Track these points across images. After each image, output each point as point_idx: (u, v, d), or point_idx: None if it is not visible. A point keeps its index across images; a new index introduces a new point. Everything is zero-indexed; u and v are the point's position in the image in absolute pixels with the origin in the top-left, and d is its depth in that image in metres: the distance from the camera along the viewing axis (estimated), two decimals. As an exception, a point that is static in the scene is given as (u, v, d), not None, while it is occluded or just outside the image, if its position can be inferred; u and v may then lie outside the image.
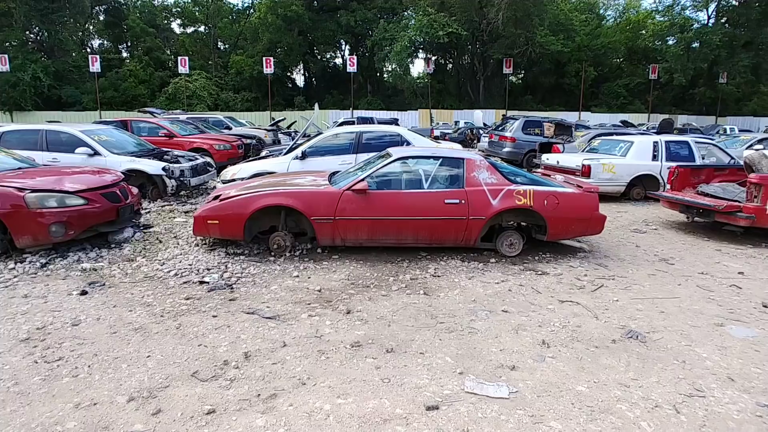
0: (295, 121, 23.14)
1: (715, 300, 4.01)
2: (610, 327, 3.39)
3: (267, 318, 3.43)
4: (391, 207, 4.91)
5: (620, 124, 25.47)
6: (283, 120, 20.67)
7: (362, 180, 4.94)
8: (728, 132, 24.38)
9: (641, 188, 9.17)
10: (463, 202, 4.95)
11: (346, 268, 4.71)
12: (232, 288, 4.07)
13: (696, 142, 9.30)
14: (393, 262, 4.95)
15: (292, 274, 4.49)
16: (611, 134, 12.76)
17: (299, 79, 46.96)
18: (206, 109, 32.57)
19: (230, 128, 15.95)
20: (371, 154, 7.91)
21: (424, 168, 5.19)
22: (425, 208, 4.93)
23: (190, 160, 8.77)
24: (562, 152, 11.88)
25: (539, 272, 4.71)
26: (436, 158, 5.20)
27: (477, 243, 5.16)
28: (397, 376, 2.65)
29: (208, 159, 9.23)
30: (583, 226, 5.24)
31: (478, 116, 29.30)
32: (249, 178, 7.54)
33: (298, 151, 7.83)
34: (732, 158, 9.42)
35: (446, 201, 4.94)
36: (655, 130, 20.07)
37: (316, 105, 9.77)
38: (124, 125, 10.86)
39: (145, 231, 6.03)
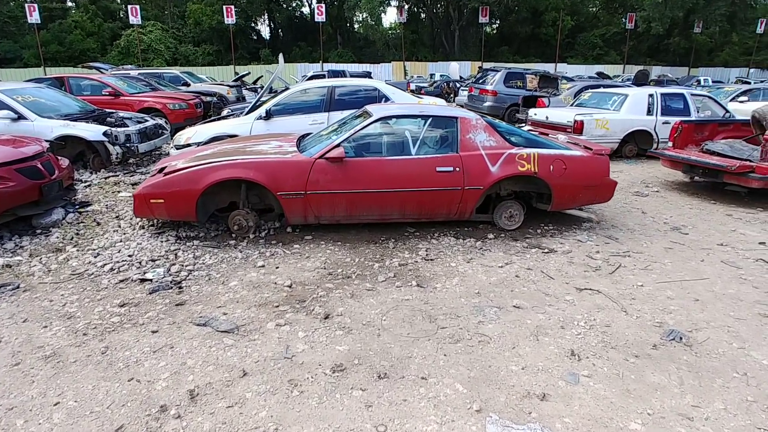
0: (261, 76, 21.42)
1: (749, 280, 3.51)
2: (645, 325, 2.82)
3: (223, 332, 2.70)
4: (372, 177, 4.13)
5: (596, 75, 24.79)
6: (247, 74, 19.02)
7: (337, 145, 4.12)
8: (702, 83, 24.11)
9: (633, 145, 8.64)
10: (457, 169, 4.21)
11: (322, 253, 3.98)
12: (180, 287, 3.29)
13: (692, 95, 8.74)
14: (377, 243, 4.25)
15: (257, 263, 3.73)
16: (599, 87, 12.09)
17: (264, 31, 43.82)
18: (164, 64, 29.99)
19: (188, 84, 14.43)
20: (346, 113, 7.02)
21: (410, 129, 4.38)
22: (413, 178, 4.18)
23: (139, 122, 7.63)
24: (548, 106, 11.18)
25: (545, 249, 4.10)
26: (424, 117, 4.39)
27: (472, 216, 4.49)
28: (396, 419, 2.00)
29: (160, 121, 8.09)
30: (592, 194, 4.62)
31: (455, 68, 27.95)
32: (206, 143, 6.57)
33: (261, 110, 6.84)
34: (727, 111, 8.94)
35: (438, 169, 4.20)
36: (630, 82, 19.51)
37: (281, 57, 8.62)
38: (60, 83, 9.44)
39: (80, 211, 5.08)
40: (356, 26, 43.86)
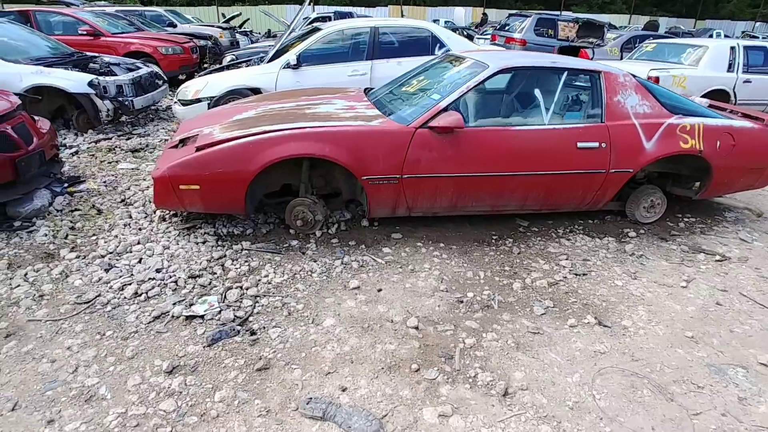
0: (248, 19, 19.08)
1: None
2: None
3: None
4: (492, 155, 2.96)
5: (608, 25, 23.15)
6: (238, 15, 16.86)
7: (445, 109, 2.90)
8: (720, 35, 22.79)
9: (707, 107, 7.54)
10: (603, 145, 3.07)
11: (427, 262, 2.87)
12: (252, 331, 2.17)
13: (775, 48, 7.57)
14: (490, 244, 3.16)
15: (347, 282, 2.61)
16: (648, 36, 10.77)
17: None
18: (138, 4, 26.86)
19: (175, 25, 12.47)
20: (393, 61, 5.72)
21: (539, 88, 3.17)
22: (546, 156, 3.03)
23: (129, 69, 6.13)
24: (592, 58, 9.90)
25: (713, 255, 3.09)
26: (558, 71, 3.17)
27: (605, 205, 3.42)
28: None
29: (154, 68, 6.56)
30: (753, 179, 3.56)
31: (460, 14, 25.84)
32: (221, 98, 5.24)
33: (289, 57, 5.44)
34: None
35: (579, 144, 3.05)
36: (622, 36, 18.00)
37: None
38: (24, 18, 7.65)
39: (71, 191, 3.80)
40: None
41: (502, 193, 3.10)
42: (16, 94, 3.82)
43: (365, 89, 4.05)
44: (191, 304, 2.32)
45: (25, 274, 2.60)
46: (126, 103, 5.54)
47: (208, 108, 5.33)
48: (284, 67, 5.46)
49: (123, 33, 8.33)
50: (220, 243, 2.98)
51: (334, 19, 14.13)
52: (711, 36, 23.06)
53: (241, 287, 2.50)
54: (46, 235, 3.06)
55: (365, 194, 2.94)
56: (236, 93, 5.38)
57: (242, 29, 15.76)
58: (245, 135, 2.81)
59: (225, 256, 2.84)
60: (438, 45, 5.88)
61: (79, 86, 5.22)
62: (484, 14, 28.96)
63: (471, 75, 3.07)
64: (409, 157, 2.87)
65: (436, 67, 3.71)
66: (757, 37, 18.92)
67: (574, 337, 2.21)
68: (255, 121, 3.05)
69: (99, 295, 2.42)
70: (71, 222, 3.25)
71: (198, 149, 2.83)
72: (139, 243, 2.94)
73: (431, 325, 2.27)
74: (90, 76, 5.30)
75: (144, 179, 4.09)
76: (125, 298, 2.40)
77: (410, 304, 2.44)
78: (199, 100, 5.36)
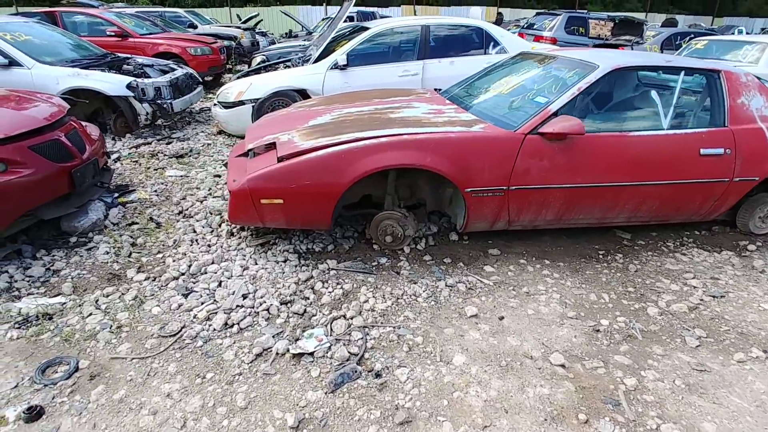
0: (261, 20, 18.72)
1: None
2: None
3: None
4: (606, 163, 2.64)
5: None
6: (256, 16, 16.61)
7: (557, 113, 2.58)
8: (743, 32, 22.27)
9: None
10: (728, 151, 2.74)
11: (540, 283, 2.55)
12: (376, 372, 1.85)
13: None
14: (598, 259, 2.83)
15: (461, 308, 2.29)
16: (689, 34, 10.40)
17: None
18: (149, 5, 26.75)
19: (195, 26, 12.24)
20: (445, 61, 5.42)
21: (654, 90, 2.85)
22: (666, 164, 2.70)
23: (163, 70, 5.86)
24: (631, 57, 9.53)
25: None
26: (674, 71, 2.84)
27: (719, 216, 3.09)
28: None
29: (189, 69, 6.28)
30: None
31: (476, 14, 25.37)
32: (265, 100, 4.96)
33: (337, 57, 5.14)
34: None
35: (703, 151, 2.72)
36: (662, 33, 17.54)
37: None
38: (50, 19, 7.41)
39: (123, 202, 3.51)
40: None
41: (615, 205, 2.77)
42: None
43: (435, 90, 3.74)
44: (297, 339, 2.01)
45: (96, 301, 2.31)
46: (165, 105, 5.26)
47: (254, 110, 5.05)
48: (331, 68, 5.17)
49: (150, 34, 8.07)
50: (302, 262, 2.68)
51: (357, 20, 13.86)
52: (734, 33, 22.58)
53: (344, 316, 2.19)
54: (107, 252, 2.77)
55: (465, 207, 2.62)
56: (282, 95, 5.11)
57: (257, 30, 15.51)
58: (334, 143, 2.50)
59: (312, 277, 2.53)
60: (492, 43, 5.56)
61: (118, 89, 4.95)
62: (500, 13, 28.58)
63: (578, 76, 2.74)
64: (518, 166, 2.55)
65: (518, 66, 3.39)
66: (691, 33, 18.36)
67: (749, 376, 1.89)
68: (338, 128, 2.74)
69: (185, 327, 2.12)
70: (131, 237, 2.96)
71: (280, 159, 2.52)
72: (213, 263, 2.64)
73: (577, 362, 1.95)
74: (128, 78, 5.03)
75: (197, 188, 3.80)
76: (215, 330, 2.10)
77: (542, 335, 2.12)
78: (242, 103, 5.08)
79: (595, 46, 10.71)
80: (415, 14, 30.79)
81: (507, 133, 2.56)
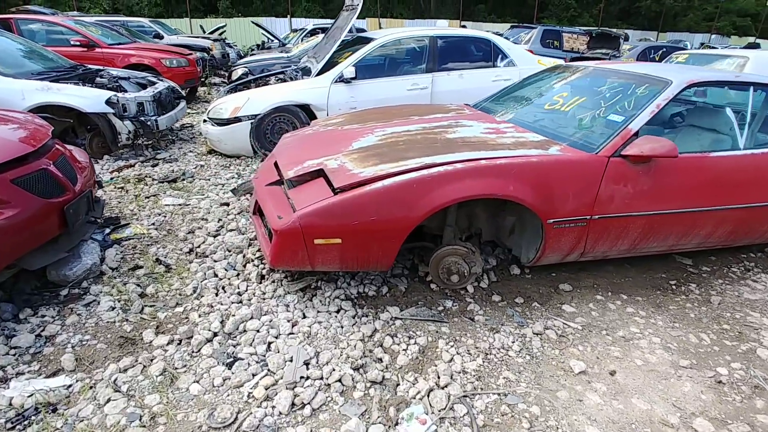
0: (224, 28, 17.84)
1: None
2: None
3: None
4: (691, 187, 2.41)
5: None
6: (223, 26, 15.93)
7: (638, 133, 2.33)
8: (687, 47, 23.71)
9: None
10: (805, 171, 2.59)
11: (628, 323, 2.27)
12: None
13: (809, 58, 7.54)
14: (672, 291, 2.59)
15: (567, 365, 1.95)
16: (662, 48, 10.76)
17: (215, -21, 38.55)
18: (101, 14, 25.30)
19: (161, 37, 11.48)
20: (454, 74, 5.17)
21: (729, 107, 2.66)
22: (747, 186, 2.51)
23: (141, 84, 5.29)
24: (610, 70, 9.72)
25: None
26: (747, 86, 2.67)
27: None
28: None
29: (170, 82, 5.70)
30: None
31: (443, 26, 25.77)
32: (267, 115, 4.55)
33: (343, 70, 4.78)
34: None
35: (783, 171, 2.55)
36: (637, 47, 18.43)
37: None
38: (4, 26, 6.60)
39: (118, 240, 2.97)
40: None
41: (691, 231, 2.55)
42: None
43: (466, 105, 3.46)
44: (396, 423, 1.61)
45: (113, 379, 1.81)
46: (149, 123, 4.70)
47: (252, 128, 4.59)
48: (336, 81, 4.80)
49: (119, 44, 7.39)
50: (359, 310, 2.27)
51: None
52: (684, 48, 23.99)
53: (437, 385, 1.80)
54: (112, 308, 2.26)
55: (543, 239, 2.31)
56: (283, 110, 4.68)
57: (221, 40, 14.82)
58: (401, 170, 2.12)
59: (377, 330, 2.13)
60: (500, 56, 5.38)
61: (96, 104, 4.36)
62: (463, 26, 29.15)
63: (651, 91, 2.51)
64: (602, 193, 2.27)
65: (565, 80, 3.15)
66: (716, 47, 19.72)
67: None
68: (393, 151, 2.37)
69: (240, 411, 1.67)
70: (138, 286, 2.45)
71: (336, 191, 2.12)
72: (252, 317, 2.18)
73: (722, 426, 1.66)
74: (108, 93, 4.45)
75: (204, 219, 3.30)
76: (281, 413, 1.66)
77: (666, 392, 1.82)
78: (238, 119, 4.61)
79: (573, 59, 10.91)
80: (380, 26, 30.89)
81: (590, 156, 2.28)
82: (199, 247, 2.89)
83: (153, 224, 3.22)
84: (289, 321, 2.15)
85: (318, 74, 4.90)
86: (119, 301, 2.31)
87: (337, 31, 5.32)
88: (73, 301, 2.33)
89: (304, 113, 4.76)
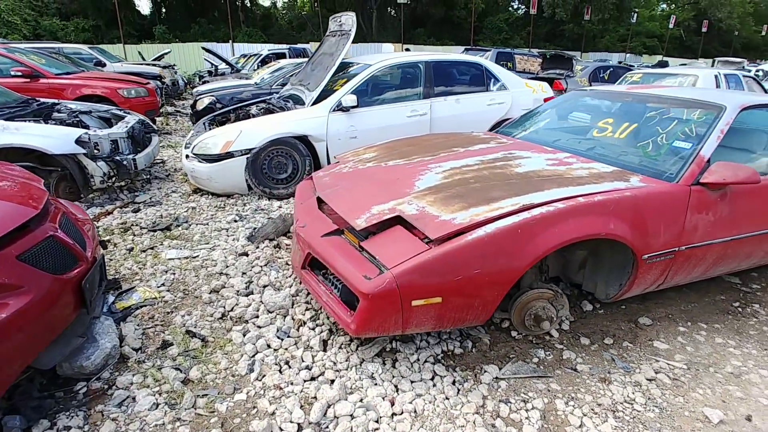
0: (168, 51, 16.93)
1: None
2: None
3: None
4: (761, 210, 2.42)
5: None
6: (168, 53, 15.10)
7: (710, 160, 2.29)
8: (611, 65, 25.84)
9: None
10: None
11: (725, 356, 2.17)
12: None
13: (743, 77, 8.37)
14: (738, 314, 2.56)
15: (700, 414, 1.79)
16: (610, 68, 11.50)
17: (144, 6, 37.02)
18: (21, 41, 23.22)
19: (103, 65, 10.61)
20: (450, 99, 5.10)
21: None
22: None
23: (104, 118, 4.76)
24: (566, 89, 10.24)
25: None
26: (785, 106, 2.75)
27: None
28: None
29: (140, 116, 5.13)
30: None
31: (389, 50, 26.25)
32: (263, 149, 4.22)
33: (342, 98, 4.53)
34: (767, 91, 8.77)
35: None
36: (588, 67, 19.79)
37: (352, 18, 5.19)
38: None
39: (127, 309, 2.48)
40: (262, 2, 39.75)
41: (754, 253, 2.55)
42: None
43: (491, 131, 3.35)
44: None
45: None
46: (125, 163, 4.16)
47: (248, 163, 4.19)
48: (334, 110, 4.54)
49: (67, 73, 6.65)
50: (454, 374, 1.99)
51: (290, 56, 13.20)
52: (631, 68, 26.09)
53: (589, 461, 1.57)
54: (155, 405, 1.82)
55: (633, 275, 2.18)
56: (280, 143, 4.33)
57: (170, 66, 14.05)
58: (499, 215, 1.90)
59: (486, 396, 1.86)
60: (492, 80, 5.39)
61: (65, 145, 3.79)
62: (407, 49, 29.92)
63: (708, 116, 2.50)
64: (688, 223, 2.19)
65: (602, 105, 3.13)
66: (633, 65, 21.79)
67: None
68: (470, 190, 2.15)
69: None
70: (177, 369, 2.02)
71: (431, 242, 1.86)
72: (339, 399, 1.84)
73: None
74: (78, 131, 3.89)
75: (224, 274, 2.87)
76: None
77: (815, 437, 1.71)
78: (230, 155, 4.21)
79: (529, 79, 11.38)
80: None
81: (674, 186, 2.20)
82: (232, 310, 2.48)
83: (163, 285, 2.75)
84: (384, 398, 1.83)
85: (314, 103, 4.61)
86: (160, 394, 1.88)
87: (327, 57, 5.07)
88: (97, 400, 1.86)
89: (303, 145, 4.45)
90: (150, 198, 4.36)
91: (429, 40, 41.17)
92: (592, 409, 1.82)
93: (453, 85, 5.19)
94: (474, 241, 1.81)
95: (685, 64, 26.65)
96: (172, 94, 10.14)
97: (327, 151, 4.55)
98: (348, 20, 4.98)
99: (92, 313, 2.03)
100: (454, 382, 1.94)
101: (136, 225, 3.67)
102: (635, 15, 43.56)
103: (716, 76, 7.84)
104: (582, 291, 2.61)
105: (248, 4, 39.60)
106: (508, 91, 5.41)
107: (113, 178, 4.17)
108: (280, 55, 12.74)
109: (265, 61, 12.51)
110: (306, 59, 11.21)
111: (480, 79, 5.34)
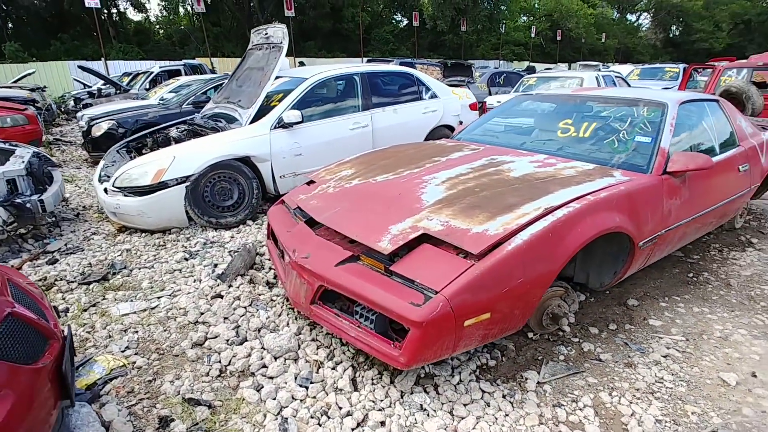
0: (31, 77, 14.61)
1: None
2: None
3: None
4: (706, 191, 2.78)
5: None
6: (32, 73, 12.96)
7: (667, 149, 2.58)
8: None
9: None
10: (747, 166, 3.23)
11: (711, 322, 2.45)
12: None
13: (616, 76, 9.72)
14: (697, 282, 2.92)
15: (719, 379, 1.98)
16: (503, 73, 12.54)
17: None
18: None
19: (-51, 90, 8.75)
20: (388, 109, 5.13)
21: (701, 122, 3.13)
22: (725, 186, 3.01)
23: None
24: (469, 95, 10.97)
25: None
26: (699, 103, 3.19)
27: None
28: None
29: (32, 147, 4.28)
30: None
31: (285, 64, 25.72)
32: (203, 175, 3.85)
33: (283, 115, 4.29)
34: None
35: (740, 168, 3.13)
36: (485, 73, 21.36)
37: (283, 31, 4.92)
38: None
39: (91, 387, 2.02)
40: (132, 16, 36.31)
41: (701, 228, 2.92)
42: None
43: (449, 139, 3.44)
44: None
45: None
46: (29, 206, 3.45)
47: (188, 192, 3.73)
48: (275, 127, 4.27)
49: None
50: (499, 388, 1.95)
51: (185, 72, 12.15)
52: (530, 72, 28.58)
53: (661, 448, 1.63)
54: (184, 497, 1.49)
55: (628, 261, 2.35)
56: (221, 167, 3.95)
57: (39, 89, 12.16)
58: (528, 222, 1.91)
59: (539, 404, 1.85)
60: (424, 89, 5.52)
61: (-53, 193, 3.01)
62: (302, 63, 29.60)
63: (656, 113, 2.81)
64: (665, 209, 2.43)
65: (552, 106, 3.36)
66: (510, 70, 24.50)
67: None
68: (483, 199, 2.14)
69: None
70: (192, 448, 1.68)
71: (465, 257, 1.80)
72: (398, 438, 1.68)
73: None
74: (-37, 174, 3.12)
75: (201, 323, 2.49)
76: None
77: (806, 381, 1.99)
78: (164, 185, 3.72)
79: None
80: (212, 66, 29.34)
81: (651, 177, 2.42)
82: (230, 364, 2.15)
83: (128, 347, 2.30)
84: (446, 429, 1.72)
85: (252, 121, 4.28)
86: (185, 483, 1.54)
87: (256, 72, 4.76)
88: None
89: (247, 167, 4.10)
90: (66, 244, 3.66)
91: (320, 52, 41.23)
92: (634, 395, 1.91)
93: (389, 95, 5.21)
94: (514, 250, 1.80)
95: (550, 68, 30.32)
96: (48, 120, 8.71)
97: (272, 171, 4.26)
98: (277, 33, 4.73)
99: (74, 404, 1.60)
100: (504, 396, 1.89)
101: (61, 279, 3.04)
102: (503, 26, 48.38)
103: (597, 78, 8.99)
104: (572, 282, 2.76)
105: (116, 19, 36.00)
106: (438, 99, 5.59)
107: (13, 225, 3.42)
108: (174, 72, 11.69)
109: (155, 80, 11.41)
110: (206, 75, 10.46)
111: (413, 89, 5.44)
